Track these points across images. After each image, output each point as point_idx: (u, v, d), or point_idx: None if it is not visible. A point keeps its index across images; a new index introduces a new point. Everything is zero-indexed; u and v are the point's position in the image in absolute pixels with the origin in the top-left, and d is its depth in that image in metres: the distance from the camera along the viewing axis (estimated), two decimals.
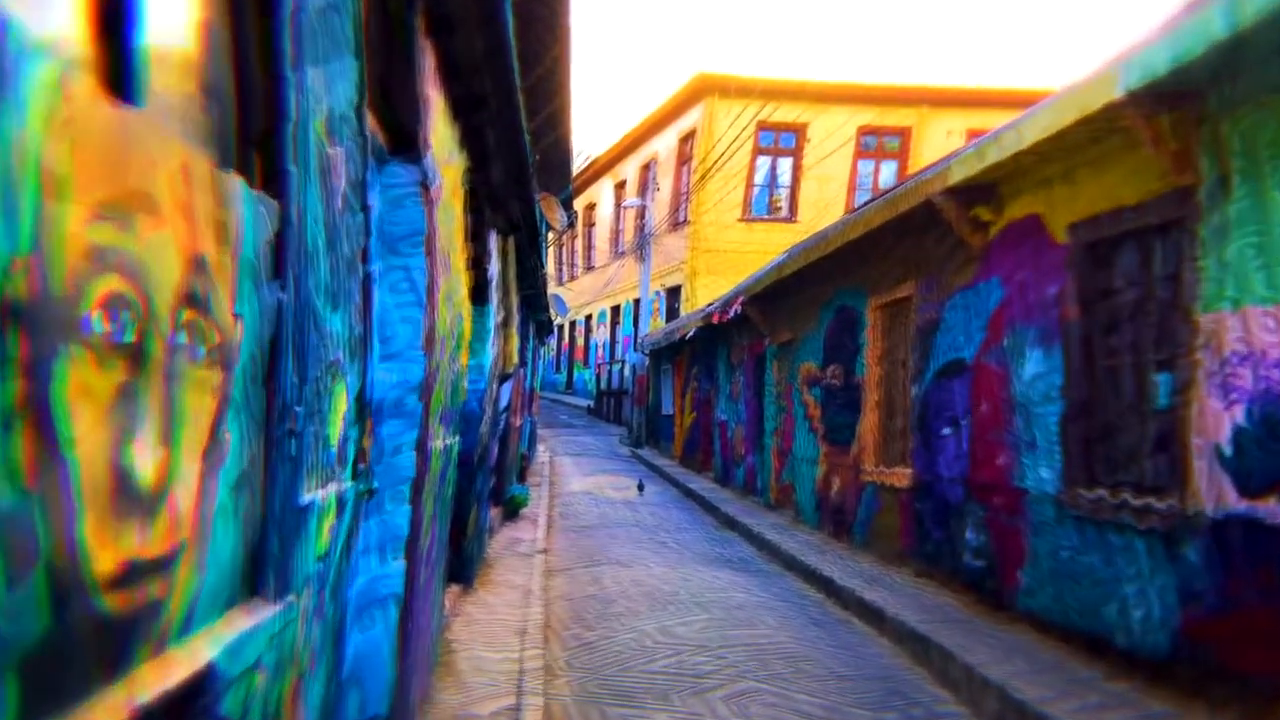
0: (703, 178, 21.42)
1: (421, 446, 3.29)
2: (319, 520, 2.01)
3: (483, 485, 6.48)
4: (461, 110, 4.30)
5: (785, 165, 22.84)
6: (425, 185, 3.31)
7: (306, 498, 1.89)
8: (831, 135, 21.41)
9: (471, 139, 4.75)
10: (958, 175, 6.24)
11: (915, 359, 7.38)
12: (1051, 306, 5.51)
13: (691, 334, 14.70)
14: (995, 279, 6.30)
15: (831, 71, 23.17)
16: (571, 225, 21.88)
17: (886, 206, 7.36)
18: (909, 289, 7.60)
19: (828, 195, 22.08)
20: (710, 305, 13.97)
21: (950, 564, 6.73)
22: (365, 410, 2.75)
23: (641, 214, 23.92)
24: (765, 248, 19.96)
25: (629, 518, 11.08)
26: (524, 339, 11.61)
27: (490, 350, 6.26)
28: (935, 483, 6.98)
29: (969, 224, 6.53)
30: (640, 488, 14.20)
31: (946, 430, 6.81)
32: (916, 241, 7.39)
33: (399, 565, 3.21)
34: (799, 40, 44.51)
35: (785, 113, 21.24)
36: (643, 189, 25.69)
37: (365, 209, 2.44)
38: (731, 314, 11.67)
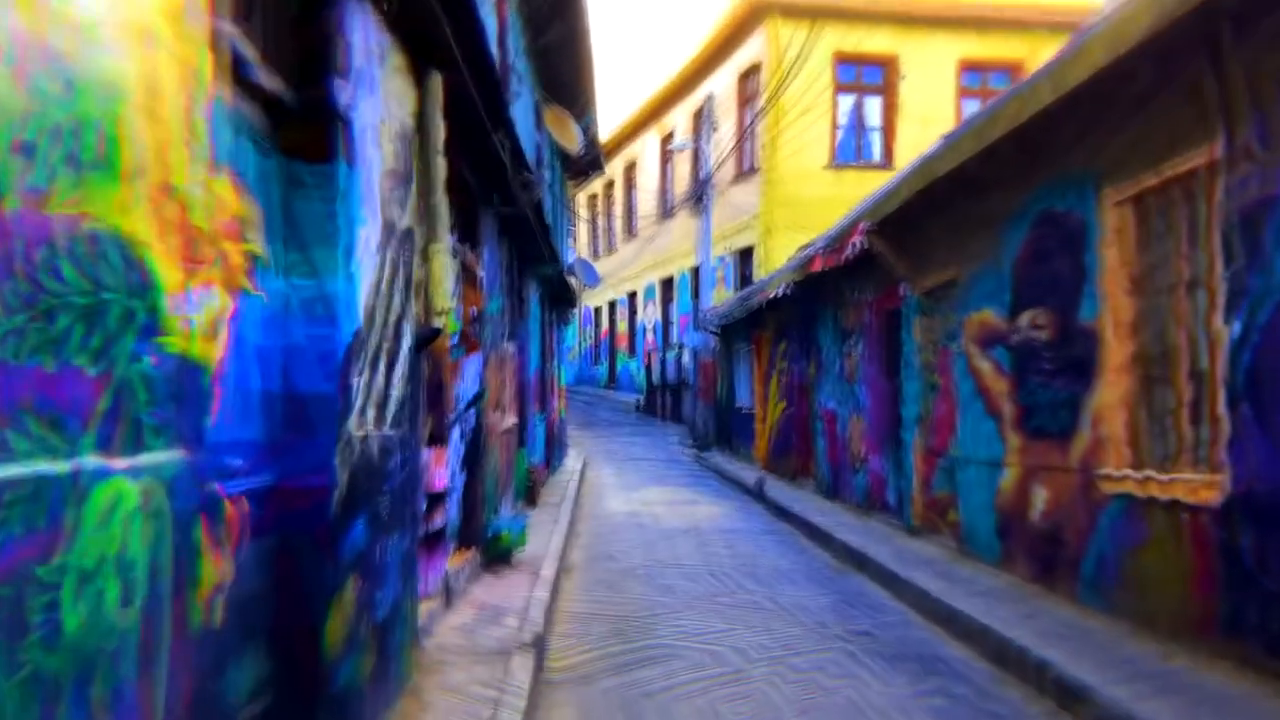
0: (772, 98, 18.73)
1: None
2: None
3: (374, 545, 3.62)
4: None
5: (874, 105, 20.28)
6: None
7: None
8: (926, 69, 19.34)
9: None
10: None
11: (1230, 276, 4.65)
12: None
13: (781, 293, 12.03)
14: None
15: None
16: (596, 166, 19.35)
17: None
18: (1204, 155, 4.85)
19: (931, 140, 19.55)
20: (809, 246, 11.30)
21: None
22: None
23: (696, 158, 21.26)
24: (860, 198, 17.39)
25: (694, 555, 8.43)
26: (512, 296, 9.00)
27: (363, 266, 3.46)
28: None
29: None
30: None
31: None
32: (1218, 60, 4.65)
33: None
34: None
35: (867, 40, 19.44)
36: (697, 137, 23.04)
37: None
38: (848, 252, 8.98)
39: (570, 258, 20.07)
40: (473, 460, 6.61)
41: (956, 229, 7.70)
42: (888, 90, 20.02)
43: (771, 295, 12.57)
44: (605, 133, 30.68)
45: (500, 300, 7.81)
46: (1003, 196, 6.88)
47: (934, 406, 8.27)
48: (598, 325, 33.88)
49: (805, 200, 19.13)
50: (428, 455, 5.20)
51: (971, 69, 19.64)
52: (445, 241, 4.76)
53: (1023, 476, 6.59)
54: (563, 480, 13.54)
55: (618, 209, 31.23)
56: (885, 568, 7.22)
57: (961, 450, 7.62)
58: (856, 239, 8.69)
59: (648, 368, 26.67)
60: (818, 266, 10.14)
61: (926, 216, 8.15)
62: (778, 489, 12.52)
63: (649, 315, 28.03)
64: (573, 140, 12.23)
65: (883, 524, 9.36)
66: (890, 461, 9.42)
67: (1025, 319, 6.58)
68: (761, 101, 20.05)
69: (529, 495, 10.53)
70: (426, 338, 4.61)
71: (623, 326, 30.90)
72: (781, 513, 11.08)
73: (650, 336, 27.72)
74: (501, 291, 7.90)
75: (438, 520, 5.56)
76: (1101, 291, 5.69)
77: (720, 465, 16.00)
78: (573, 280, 21.68)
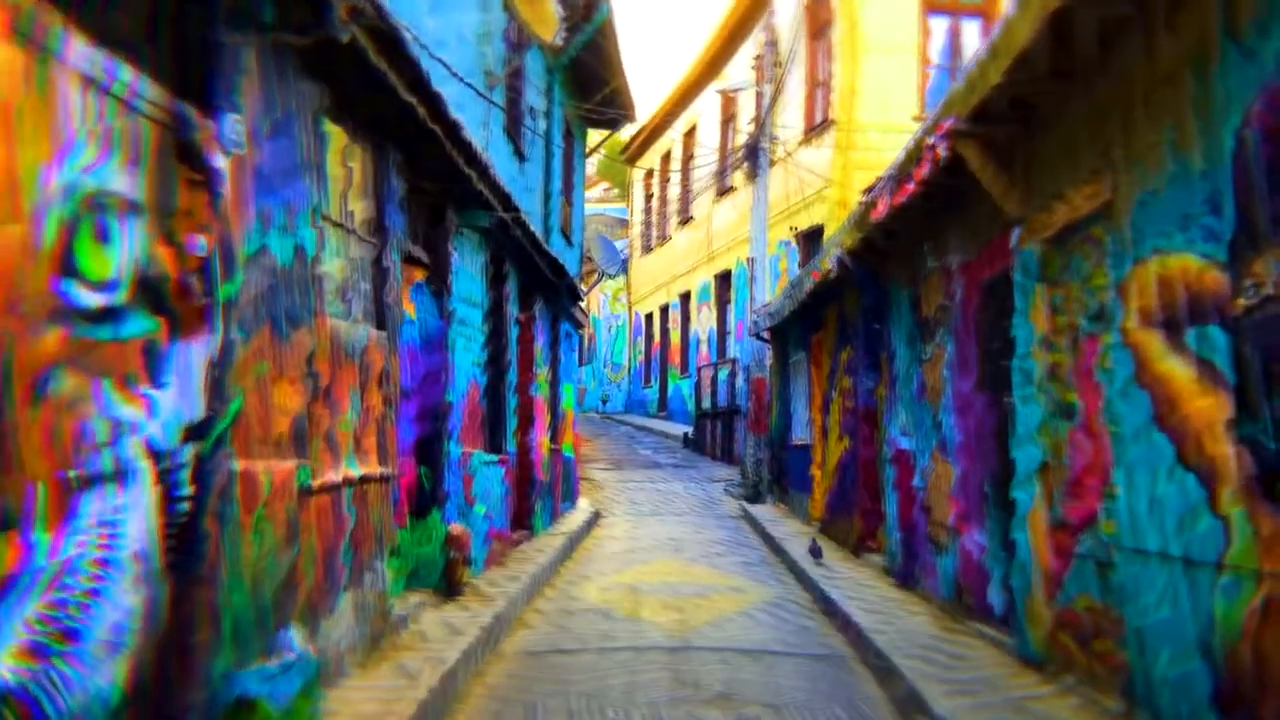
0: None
1: None
2: None
3: None
4: None
5: (972, 33, 16.97)
6: None
7: None
8: None
9: None
10: None
11: None
12: None
13: (835, 267, 8.95)
14: None
15: None
16: (618, 107, 16.40)
17: None
18: None
19: None
20: (872, 189, 8.22)
21: None
22: None
23: (758, 104, 18.16)
24: None
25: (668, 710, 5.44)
26: (385, 247, 5.81)
27: None
28: None
29: None
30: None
31: None
32: None
33: None
34: None
35: None
36: (760, 80, 19.91)
37: None
38: (922, 172, 5.88)
39: (579, 237, 17.23)
40: (188, 555, 3.64)
41: (1110, 107, 4.56)
42: (989, 9, 16.69)
43: (823, 273, 9.49)
44: (663, 93, 28.08)
45: (322, 240, 4.68)
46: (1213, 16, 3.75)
47: (1068, 447, 5.09)
48: (649, 338, 30.91)
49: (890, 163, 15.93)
50: None
51: None
52: None
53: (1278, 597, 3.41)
54: (544, 547, 10.73)
55: (674, 187, 28.26)
56: None
57: (1126, 529, 4.44)
58: (937, 141, 5.57)
59: (698, 389, 23.63)
60: (880, 212, 7.05)
61: (1055, 98, 5.05)
62: (830, 567, 9.36)
63: (703, 322, 25.00)
64: (547, 21, 9.36)
65: (983, 642, 6.17)
66: (994, 537, 6.23)
67: (1271, 263, 3.43)
68: (842, 30, 16.94)
69: (447, 580, 7.59)
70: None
71: (675, 338, 27.88)
72: (828, 609, 7.96)
73: (704, 349, 24.67)
74: (323, 223, 4.70)
75: None
76: None
77: (767, 525, 12.86)
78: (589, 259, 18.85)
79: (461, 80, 6.85)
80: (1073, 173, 4.98)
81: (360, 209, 5.43)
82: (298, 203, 4.41)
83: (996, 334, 6.28)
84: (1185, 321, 3.94)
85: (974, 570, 6.54)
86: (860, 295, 9.54)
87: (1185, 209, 3.93)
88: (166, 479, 3.50)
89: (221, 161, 3.65)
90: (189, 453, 3.61)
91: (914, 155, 6.36)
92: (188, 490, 3.59)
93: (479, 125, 8.57)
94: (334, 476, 5.06)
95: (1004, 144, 5.61)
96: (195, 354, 3.63)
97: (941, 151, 5.55)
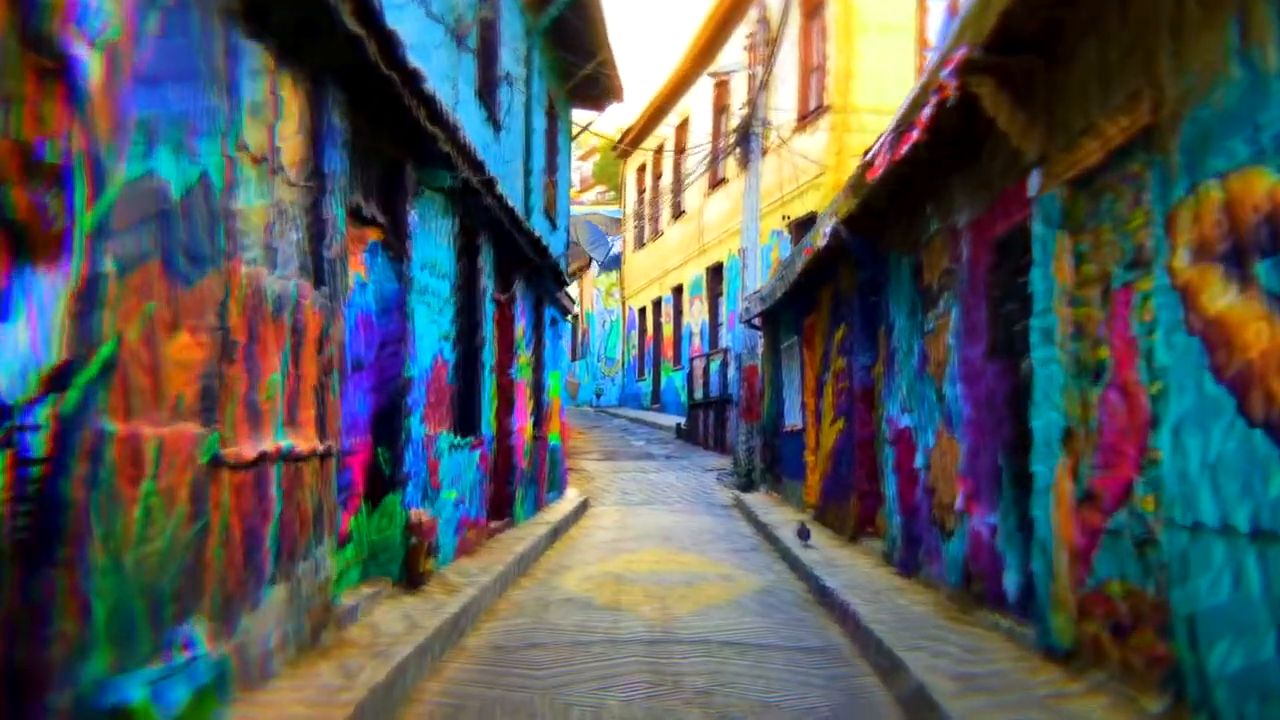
0: None
1: None
2: None
3: None
4: None
5: None
6: None
7: None
8: None
9: None
10: None
11: None
12: None
13: (827, 238, 8.26)
14: None
15: None
16: (606, 83, 15.64)
17: None
18: None
19: None
20: (870, 151, 7.54)
21: None
22: None
23: (750, 86, 17.43)
24: None
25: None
26: (328, 191, 4.78)
27: None
28: None
29: None
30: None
31: None
32: None
33: None
34: None
35: None
36: (752, 64, 19.13)
37: None
38: (926, 112, 5.19)
39: (564, 221, 16.53)
40: (41, 532, 2.87)
41: (1153, 10, 3.88)
42: None
43: (816, 246, 8.80)
44: (655, 87, 27.44)
45: (233, 172, 3.84)
46: None
47: (1097, 410, 4.41)
48: (642, 332, 30.24)
49: None
50: None
51: None
52: None
53: None
54: (524, 536, 10.07)
55: (666, 182, 27.55)
56: None
57: (1172, 499, 3.75)
58: (947, 78, 4.87)
59: (690, 380, 22.97)
60: (878, 169, 6.36)
61: (1085, 8, 4.37)
62: (826, 553, 8.68)
63: (695, 315, 24.33)
64: None
65: (996, 633, 5.49)
66: (1008, 517, 5.54)
67: None
68: (831, 11, 16.26)
69: (409, 570, 6.88)
70: None
71: (668, 331, 27.21)
72: (824, 599, 7.28)
73: (696, 341, 23.99)
74: (237, 153, 3.88)
75: None
76: None
77: (759, 513, 12.18)
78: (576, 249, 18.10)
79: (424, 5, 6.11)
80: (1105, 99, 4.29)
81: (290, 147, 4.71)
82: (199, 123, 3.68)
83: (1011, 294, 5.60)
84: (1254, 251, 3.25)
85: (985, 554, 5.84)
86: (856, 269, 8.84)
87: (1255, 118, 3.24)
88: (12, 438, 2.79)
89: (81, 50, 2.94)
90: (45, 407, 2.89)
91: (919, 100, 5.67)
92: (42, 452, 2.87)
93: (446, 81, 7.85)
94: (256, 449, 4.29)
95: (1022, 77, 4.92)
96: (53, 286, 2.91)
97: (951, 90, 4.84)
